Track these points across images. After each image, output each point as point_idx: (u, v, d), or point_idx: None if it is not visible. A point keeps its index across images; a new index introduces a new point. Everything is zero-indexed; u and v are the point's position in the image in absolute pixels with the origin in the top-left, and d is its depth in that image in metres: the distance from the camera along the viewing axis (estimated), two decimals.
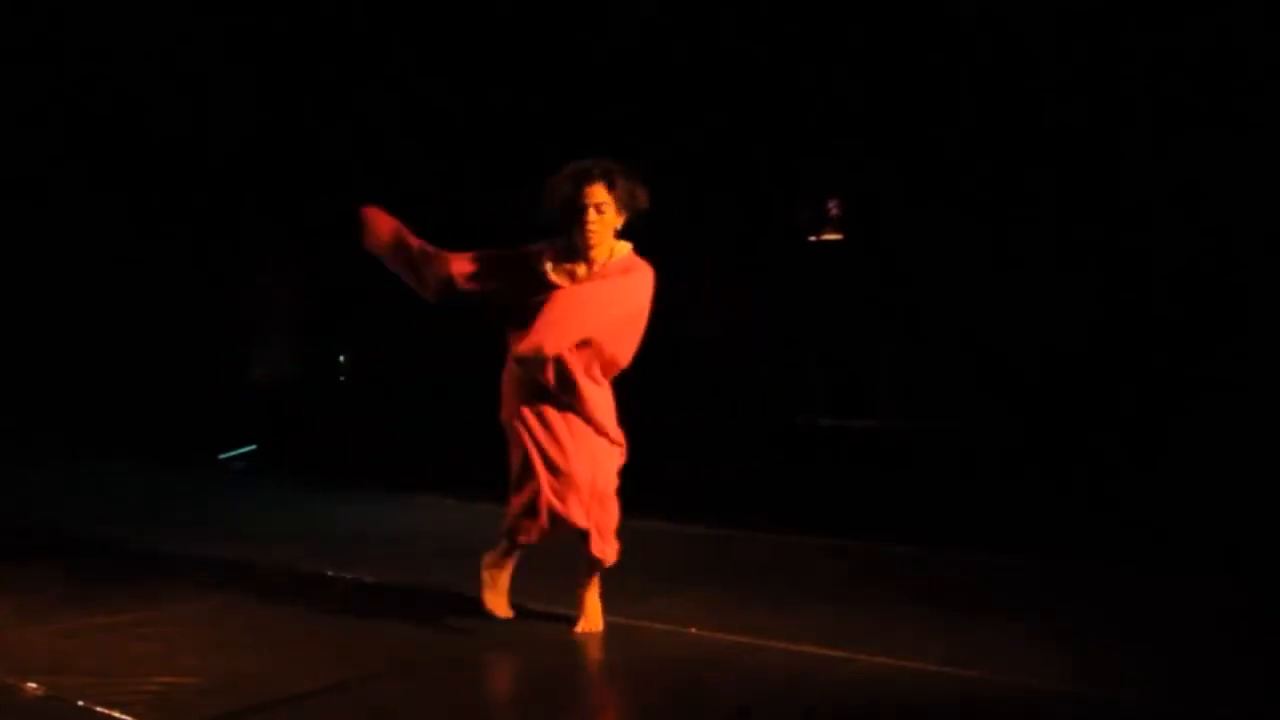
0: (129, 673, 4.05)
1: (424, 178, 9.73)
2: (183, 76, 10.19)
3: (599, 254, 4.52)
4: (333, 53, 10.10)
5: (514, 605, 4.82)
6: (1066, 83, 7.73)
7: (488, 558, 4.79)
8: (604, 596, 4.63)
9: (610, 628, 4.64)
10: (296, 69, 10.29)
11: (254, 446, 10.67)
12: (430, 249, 4.66)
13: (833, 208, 9.03)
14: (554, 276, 4.51)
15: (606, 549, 4.54)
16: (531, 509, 4.47)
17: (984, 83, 8.00)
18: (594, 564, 4.58)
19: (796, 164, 8.90)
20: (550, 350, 4.37)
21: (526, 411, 4.49)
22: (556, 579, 5.00)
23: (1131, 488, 7.15)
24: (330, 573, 5.74)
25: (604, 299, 4.49)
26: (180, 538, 6.73)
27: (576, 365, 4.42)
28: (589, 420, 4.49)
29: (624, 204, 4.48)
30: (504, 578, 4.78)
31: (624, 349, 4.54)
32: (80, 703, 3.77)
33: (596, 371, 4.51)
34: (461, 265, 4.60)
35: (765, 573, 5.78)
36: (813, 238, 9.13)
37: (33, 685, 3.93)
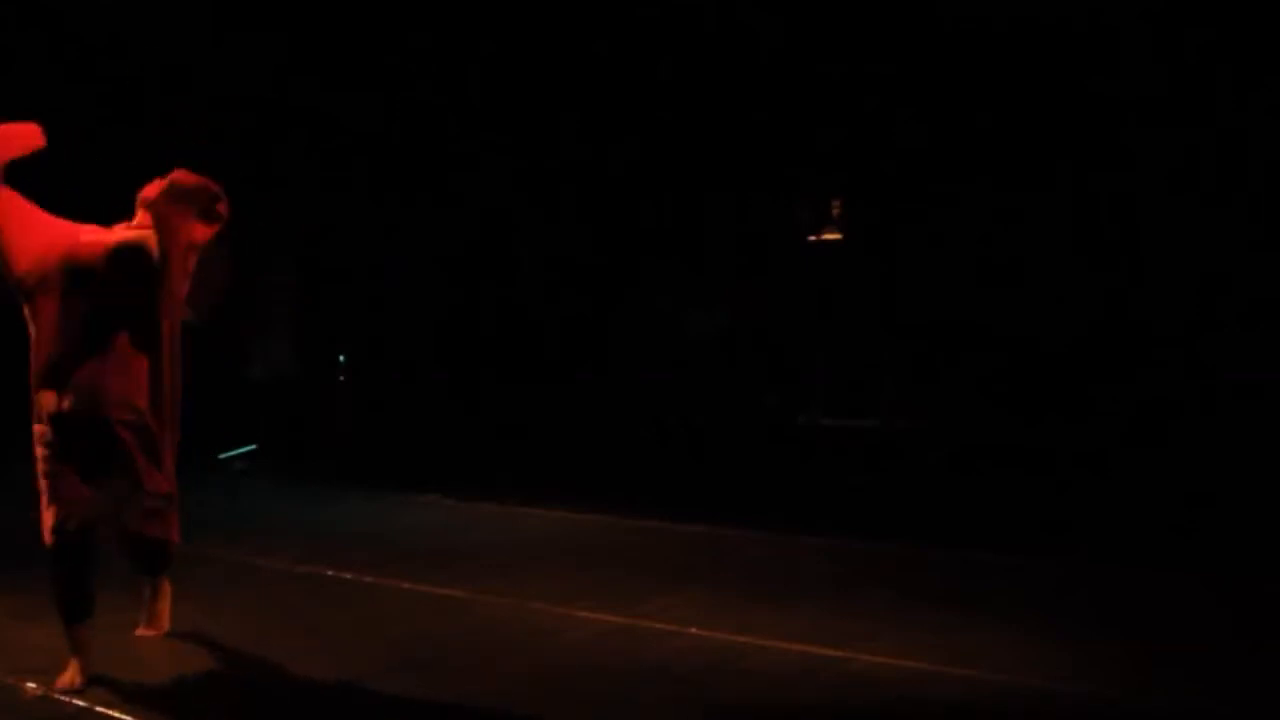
0: (129, 673, 4.05)
1: (422, 176, 9.73)
2: (182, 71, 10.18)
3: None
4: (330, 50, 10.10)
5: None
6: (1065, 84, 7.74)
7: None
8: (604, 596, 4.62)
9: (610, 628, 4.65)
10: (295, 67, 10.28)
11: (254, 446, 10.65)
12: None
13: (833, 207, 9.04)
14: None
15: None
16: None
17: (984, 84, 8.00)
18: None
19: (796, 165, 8.90)
20: None
21: None
22: (557, 580, 4.99)
23: (1131, 487, 7.16)
24: (330, 572, 5.73)
25: None
26: (180, 537, 6.71)
27: None
28: None
29: None
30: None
31: None
32: (80, 703, 3.77)
33: None
34: None
35: (765, 573, 5.77)
36: (813, 238, 9.13)
37: (32, 685, 3.93)
